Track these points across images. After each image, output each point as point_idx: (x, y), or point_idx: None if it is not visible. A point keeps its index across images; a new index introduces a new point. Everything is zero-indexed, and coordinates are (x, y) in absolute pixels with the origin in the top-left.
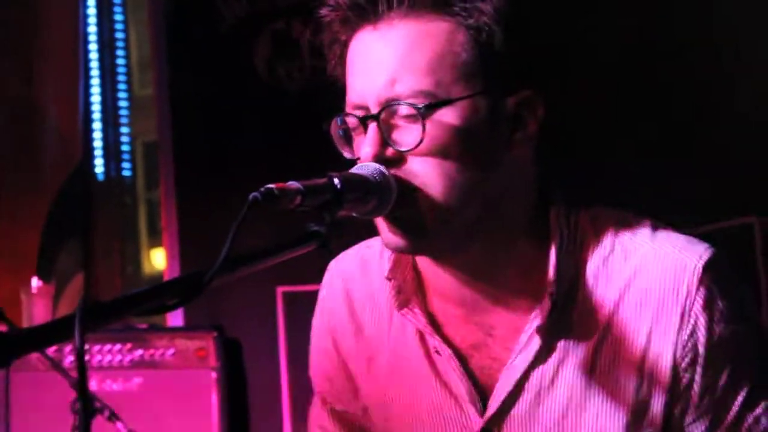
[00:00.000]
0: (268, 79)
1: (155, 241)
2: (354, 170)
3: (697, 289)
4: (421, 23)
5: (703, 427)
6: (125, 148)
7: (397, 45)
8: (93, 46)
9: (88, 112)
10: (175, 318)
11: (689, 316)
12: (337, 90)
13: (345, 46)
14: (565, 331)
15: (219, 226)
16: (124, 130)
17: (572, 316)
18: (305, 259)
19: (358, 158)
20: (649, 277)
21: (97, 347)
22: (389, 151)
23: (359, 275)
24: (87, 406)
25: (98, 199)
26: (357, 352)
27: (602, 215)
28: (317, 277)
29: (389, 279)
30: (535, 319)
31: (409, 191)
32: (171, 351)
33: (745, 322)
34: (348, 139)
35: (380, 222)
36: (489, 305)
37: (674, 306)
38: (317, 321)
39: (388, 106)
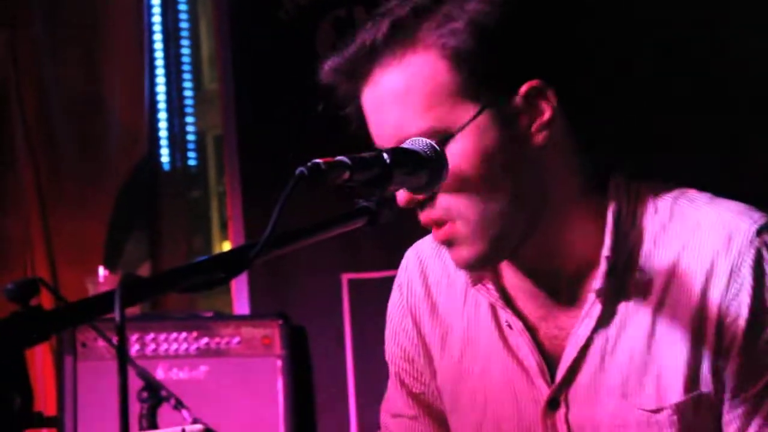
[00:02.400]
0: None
1: (226, 234)
2: (405, 145)
3: (748, 250)
4: (400, 68)
5: (737, 385)
6: (191, 138)
7: (386, 99)
8: (158, 37)
9: (153, 104)
10: (241, 306)
11: (737, 275)
12: None
13: (356, 98)
14: (625, 295)
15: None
16: (190, 120)
17: (632, 280)
18: (369, 246)
19: None
20: (704, 238)
21: (163, 336)
22: (420, 197)
23: (435, 257)
24: (125, 381)
25: (164, 189)
26: (432, 329)
27: (661, 186)
28: (382, 264)
29: None
30: (594, 284)
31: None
32: (236, 339)
33: None
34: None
35: (450, 247)
36: (557, 277)
37: (724, 265)
38: (395, 302)
39: None
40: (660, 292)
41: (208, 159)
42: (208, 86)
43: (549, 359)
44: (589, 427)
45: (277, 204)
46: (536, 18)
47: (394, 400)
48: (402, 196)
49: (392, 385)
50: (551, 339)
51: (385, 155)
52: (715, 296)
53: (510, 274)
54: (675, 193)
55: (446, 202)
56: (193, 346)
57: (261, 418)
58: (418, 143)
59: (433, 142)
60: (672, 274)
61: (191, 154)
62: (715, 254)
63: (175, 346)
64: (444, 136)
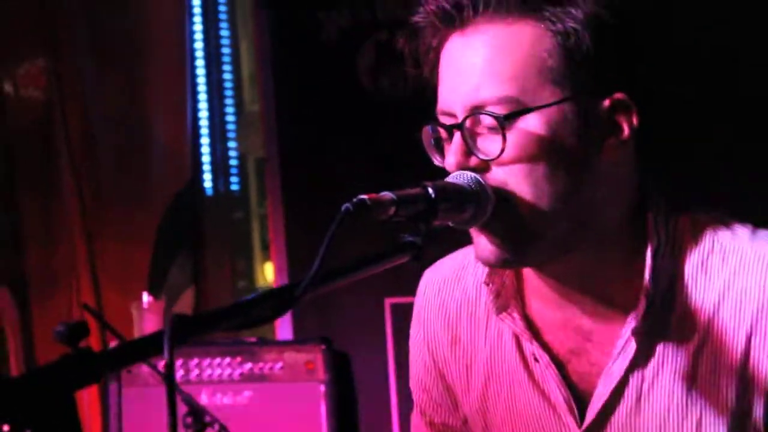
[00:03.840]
0: (373, 91)
1: (268, 255)
2: (449, 179)
3: None
4: (507, 27)
5: None
6: (233, 162)
7: (482, 51)
8: (200, 62)
9: (196, 128)
10: (284, 331)
11: None
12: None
13: (438, 52)
14: (663, 335)
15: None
16: (232, 144)
17: (671, 319)
18: (413, 270)
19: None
20: (749, 277)
21: (207, 361)
22: (473, 161)
23: (454, 283)
24: (174, 419)
25: (207, 213)
26: (455, 360)
27: (702, 219)
28: None
29: (487, 284)
30: (631, 322)
31: (504, 200)
32: (280, 364)
33: None
34: (439, 147)
35: (476, 235)
36: (588, 309)
37: None
38: (414, 333)
39: (473, 114)
40: (701, 334)
41: (249, 182)
42: (249, 108)
43: (578, 396)
44: None
45: (324, 240)
46: (644, 36)
47: (417, 427)
48: (451, 162)
49: (415, 413)
50: (581, 375)
51: (431, 190)
52: (766, 342)
53: (538, 304)
54: (713, 225)
55: (500, 176)
56: (237, 372)
57: None
58: (462, 177)
59: (478, 176)
60: (714, 314)
61: (234, 179)
62: (762, 296)
63: (219, 371)
64: (520, 109)
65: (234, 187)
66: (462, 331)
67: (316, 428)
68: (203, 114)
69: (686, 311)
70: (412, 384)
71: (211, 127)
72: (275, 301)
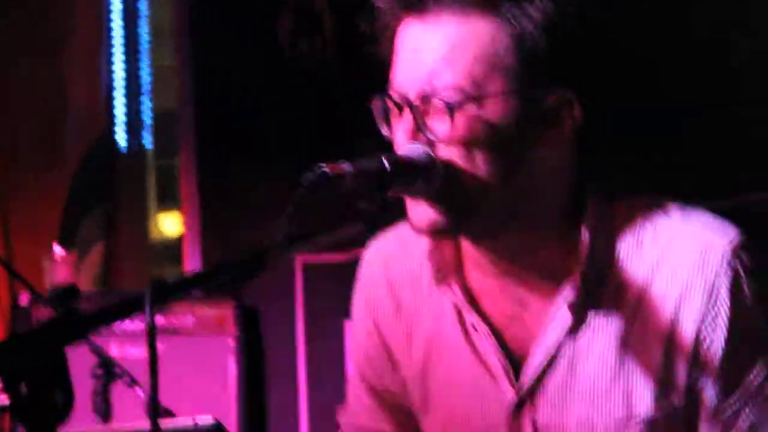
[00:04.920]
0: (290, 53)
1: (165, 207)
2: (402, 152)
3: (725, 271)
4: (468, 22)
5: (715, 400)
6: (147, 119)
7: (440, 40)
8: (116, 19)
9: (110, 85)
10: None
11: (714, 298)
12: (359, 66)
13: (394, 31)
14: (597, 306)
15: (239, 195)
16: (146, 102)
17: (604, 292)
18: (325, 230)
19: (394, 137)
20: (679, 255)
21: None
22: (422, 138)
23: (399, 254)
24: (155, 381)
25: (120, 169)
26: (396, 328)
27: (637, 202)
28: (335, 248)
29: (429, 258)
30: (567, 295)
31: (449, 174)
32: (191, 318)
33: (766, 308)
34: (387, 118)
35: (415, 203)
36: (524, 280)
37: (701, 285)
38: (357, 301)
39: (425, 97)
40: (632, 306)
41: (157, 135)
42: (161, 63)
43: (515, 362)
44: (555, 430)
45: (288, 209)
46: (593, 40)
47: (355, 406)
48: (402, 137)
49: (354, 379)
50: (518, 342)
51: (386, 163)
52: (691, 316)
53: (476, 275)
54: (650, 206)
55: (447, 153)
56: None
57: (213, 396)
58: (415, 150)
59: (428, 150)
60: (646, 289)
61: (147, 136)
62: (690, 273)
63: (129, 323)
64: (471, 97)
65: (147, 144)
66: (405, 301)
67: (224, 382)
68: (118, 71)
69: (619, 285)
70: (353, 349)
71: (127, 83)
72: (245, 266)
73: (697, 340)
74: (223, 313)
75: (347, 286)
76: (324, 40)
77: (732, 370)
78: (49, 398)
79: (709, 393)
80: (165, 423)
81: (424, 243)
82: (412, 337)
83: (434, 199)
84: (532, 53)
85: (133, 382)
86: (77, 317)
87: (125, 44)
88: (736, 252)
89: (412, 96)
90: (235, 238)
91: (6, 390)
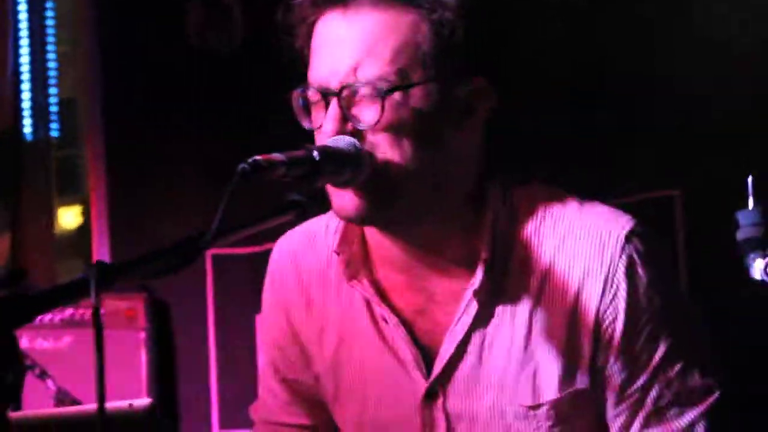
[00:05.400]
0: (199, 44)
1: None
2: (329, 143)
3: (620, 257)
4: (388, 14)
5: (620, 383)
6: (53, 108)
7: (363, 33)
8: (22, 8)
9: (17, 73)
10: None
11: (612, 282)
12: (267, 58)
13: (312, 25)
14: (502, 295)
15: (147, 184)
16: (53, 90)
17: (508, 281)
18: (234, 222)
19: (316, 129)
20: (577, 243)
21: None
22: (349, 126)
23: (307, 250)
24: (101, 371)
25: (27, 159)
26: (308, 323)
27: (535, 191)
28: (247, 240)
29: (338, 253)
30: (471, 285)
31: (375, 163)
32: (101, 311)
33: (664, 290)
34: (307, 111)
35: (340, 192)
36: (431, 273)
37: (599, 271)
38: (267, 296)
39: (348, 88)
40: (536, 293)
41: (63, 123)
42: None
43: (426, 353)
44: (467, 418)
45: (223, 197)
46: (508, 30)
47: (269, 383)
48: (329, 127)
49: (266, 371)
50: (427, 333)
51: (315, 153)
52: (591, 301)
53: (385, 269)
54: (545, 197)
55: (372, 142)
56: (57, 317)
57: (124, 388)
58: (342, 141)
59: (355, 141)
60: (547, 277)
61: (54, 124)
62: (588, 259)
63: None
64: (392, 87)
65: (54, 133)
66: (315, 296)
67: (135, 374)
68: (24, 59)
69: (522, 273)
70: (264, 343)
71: (32, 72)
72: (181, 252)
73: (598, 323)
74: (134, 306)
75: (258, 277)
76: (231, 32)
77: (635, 351)
78: None
79: (614, 374)
80: (74, 410)
81: (331, 240)
82: (323, 331)
83: (361, 188)
84: (448, 41)
85: (43, 374)
86: (25, 299)
87: (30, 32)
88: (630, 238)
89: (336, 87)
90: (143, 229)
91: None
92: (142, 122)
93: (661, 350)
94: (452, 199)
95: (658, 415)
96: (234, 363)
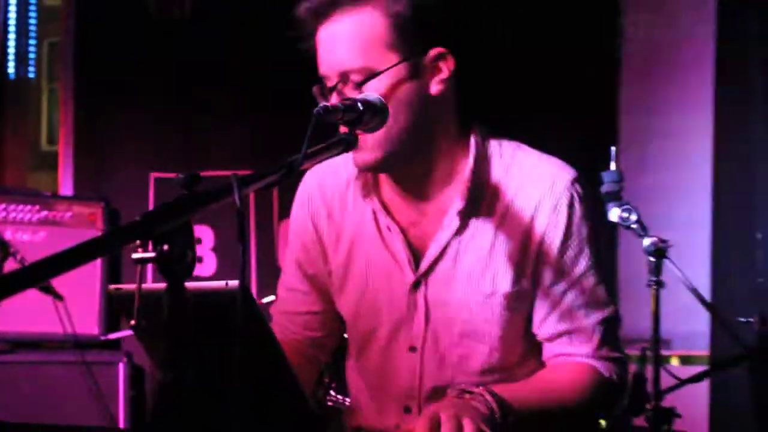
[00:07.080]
0: (156, 15)
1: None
2: (365, 96)
3: (565, 193)
4: (354, 16)
5: (548, 285)
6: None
7: (339, 36)
8: None
9: (4, 21)
10: (66, 188)
11: (557, 210)
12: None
13: (314, 35)
14: (476, 215)
15: (108, 115)
16: (32, 36)
17: (482, 205)
18: (176, 150)
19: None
20: (535, 182)
21: (12, 206)
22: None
23: (331, 177)
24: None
25: (9, 96)
26: (329, 229)
27: (505, 142)
28: (186, 166)
29: (357, 179)
30: (456, 205)
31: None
32: (69, 214)
33: (590, 223)
34: (325, 95)
35: (360, 148)
36: (423, 196)
37: (548, 202)
38: (297, 209)
39: (342, 78)
40: (502, 214)
41: (42, 63)
42: (47, 2)
43: (416, 254)
44: (441, 303)
45: (307, 131)
46: (454, 5)
47: (289, 278)
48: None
49: (290, 268)
50: (418, 240)
51: (359, 104)
52: (541, 222)
53: (389, 190)
54: (515, 146)
55: None
56: (35, 217)
57: (83, 272)
58: (373, 96)
59: (380, 97)
60: (511, 203)
61: (31, 67)
62: (542, 194)
63: (21, 215)
64: (371, 74)
65: (31, 75)
66: (335, 210)
67: (92, 263)
68: (11, 9)
69: (493, 200)
70: (293, 246)
71: (18, 21)
72: (285, 169)
73: (542, 240)
74: (94, 211)
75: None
76: (183, 6)
77: (563, 262)
78: (183, 256)
79: (545, 279)
80: (199, 285)
81: (351, 169)
82: (339, 237)
83: (377, 138)
84: (407, 27)
85: (22, 259)
86: (188, 197)
87: None
88: (574, 183)
89: (334, 78)
90: (101, 154)
91: (154, 249)
92: (109, 63)
93: (581, 265)
94: (437, 145)
95: (570, 313)
96: None
